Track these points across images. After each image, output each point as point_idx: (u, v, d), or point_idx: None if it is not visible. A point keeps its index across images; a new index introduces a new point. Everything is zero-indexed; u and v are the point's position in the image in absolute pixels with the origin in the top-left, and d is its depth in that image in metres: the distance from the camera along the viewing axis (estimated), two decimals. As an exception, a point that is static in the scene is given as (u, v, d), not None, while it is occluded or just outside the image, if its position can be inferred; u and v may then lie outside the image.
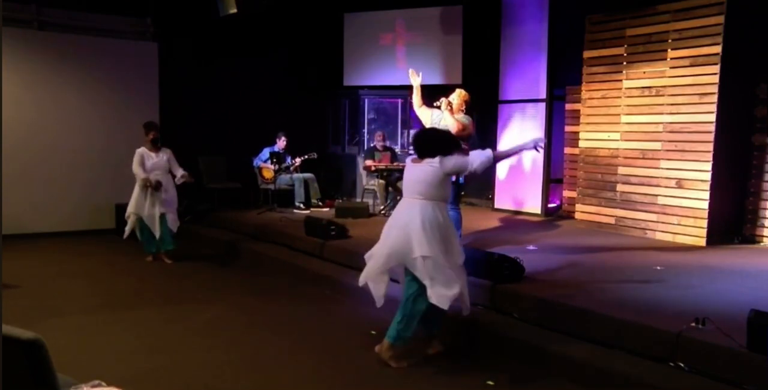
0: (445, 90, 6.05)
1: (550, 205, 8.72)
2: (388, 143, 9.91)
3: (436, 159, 3.93)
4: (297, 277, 6.45)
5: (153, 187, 6.88)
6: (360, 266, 6.10)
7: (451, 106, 5.75)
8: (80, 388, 2.20)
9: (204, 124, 9.66)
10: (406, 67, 10.26)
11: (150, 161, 6.94)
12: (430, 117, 5.88)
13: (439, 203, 3.97)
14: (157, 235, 6.99)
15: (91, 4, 8.97)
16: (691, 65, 6.70)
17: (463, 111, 5.87)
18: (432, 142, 4.05)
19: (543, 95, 8.59)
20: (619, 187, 7.34)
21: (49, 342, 1.90)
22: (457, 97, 5.88)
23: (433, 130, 4.69)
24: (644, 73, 7.16)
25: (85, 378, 2.36)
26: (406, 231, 3.92)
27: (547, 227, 7.80)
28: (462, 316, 4.72)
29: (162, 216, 6.98)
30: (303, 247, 7.03)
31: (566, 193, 8.66)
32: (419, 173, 4.00)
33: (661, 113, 6.98)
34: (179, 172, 7.08)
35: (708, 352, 3.46)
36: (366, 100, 10.57)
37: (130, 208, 7.00)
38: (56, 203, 8.60)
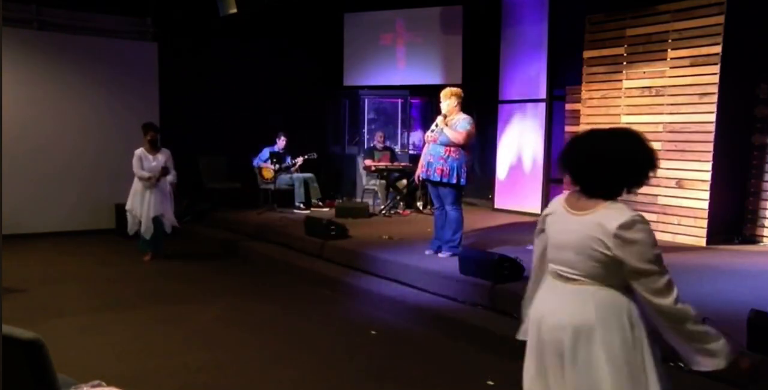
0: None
1: (550, 205, 8.72)
2: (388, 143, 9.92)
3: (615, 220, 1.94)
4: (297, 277, 6.45)
5: (158, 179, 6.89)
6: (359, 266, 6.16)
7: (445, 121, 5.71)
8: (80, 388, 2.20)
9: (204, 124, 9.66)
10: (406, 67, 10.38)
11: (147, 163, 6.94)
12: (431, 130, 5.84)
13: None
14: (147, 236, 7.01)
15: (91, 4, 8.97)
16: (691, 65, 6.69)
17: (459, 108, 5.80)
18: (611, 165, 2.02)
19: (543, 95, 8.59)
20: (619, 187, 7.32)
21: (49, 342, 1.90)
22: (451, 98, 5.74)
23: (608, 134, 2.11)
24: (644, 73, 7.16)
25: (85, 378, 2.36)
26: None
27: (547, 227, 7.79)
28: (461, 316, 4.74)
29: (156, 218, 6.99)
30: (303, 247, 7.03)
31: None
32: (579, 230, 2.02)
33: (661, 113, 6.98)
34: (170, 178, 7.07)
35: (708, 352, 3.45)
36: (366, 100, 10.57)
37: (128, 205, 7.05)
38: (56, 203, 8.59)
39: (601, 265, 1.95)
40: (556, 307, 2.04)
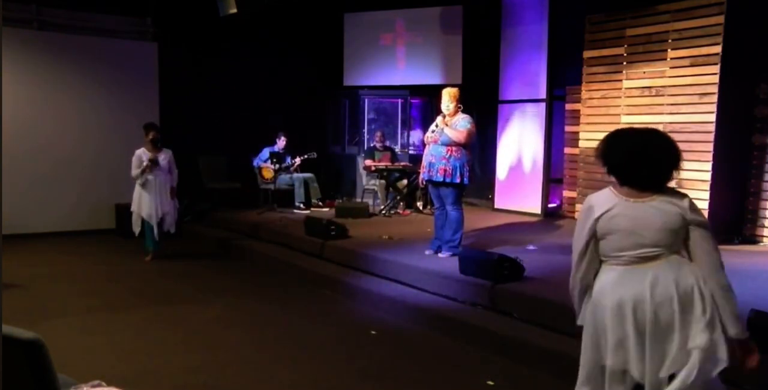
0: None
1: (550, 205, 8.72)
2: (387, 143, 9.91)
3: (683, 200, 2.34)
4: (297, 277, 6.45)
5: (151, 166, 6.86)
6: (359, 266, 6.16)
7: (445, 121, 5.71)
8: (80, 388, 2.20)
9: (204, 124, 9.66)
10: (405, 67, 10.38)
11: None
12: (431, 131, 5.84)
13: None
14: (156, 235, 7.03)
15: (91, 4, 8.97)
16: (691, 65, 6.70)
17: (460, 109, 5.80)
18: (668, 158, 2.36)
19: (543, 95, 8.59)
20: (619, 187, 7.31)
21: (49, 342, 1.90)
22: (450, 99, 5.72)
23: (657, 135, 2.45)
24: (644, 73, 7.16)
25: (85, 378, 2.36)
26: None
27: (547, 227, 7.80)
28: (461, 316, 4.74)
29: (161, 217, 7.00)
30: (303, 247, 7.03)
31: (566, 193, 8.66)
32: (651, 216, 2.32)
33: (661, 113, 6.98)
34: (172, 181, 7.08)
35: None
36: (366, 100, 10.57)
37: (133, 206, 7.06)
38: (56, 203, 8.59)
39: (674, 235, 2.30)
40: (653, 284, 2.28)
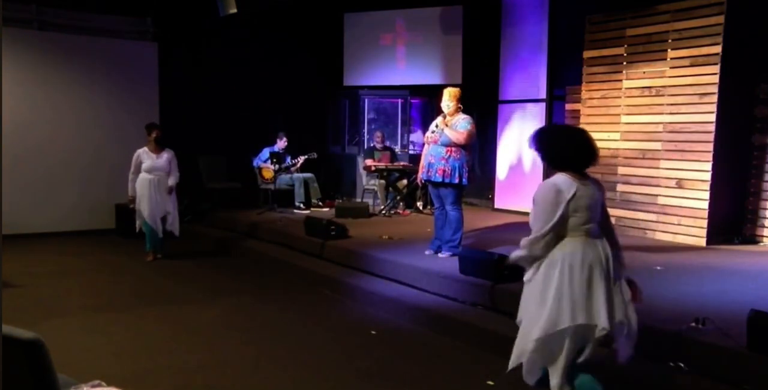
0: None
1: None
2: (387, 143, 9.91)
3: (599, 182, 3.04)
4: (297, 277, 6.46)
5: (131, 207, 7.05)
6: (359, 266, 6.16)
7: (445, 122, 5.71)
8: (80, 388, 2.20)
9: (204, 124, 9.66)
10: (406, 67, 10.39)
11: (150, 161, 6.93)
12: (431, 131, 5.84)
13: None
14: (160, 234, 7.05)
15: (91, 4, 8.97)
16: (691, 65, 6.69)
17: (460, 109, 5.80)
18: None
19: (543, 95, 8.59)
20: (619, 187, 7.33)
21: (49, 342, 1.90)
22: (450, 99, 5.71)
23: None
24: (644, 73, 7.16)
25: (85, 378, 2.36)
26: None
27: (547, 227, 7.79)
28: (461, 316, 4.74)
29: (163, 217, 7.01)
30: (303, 247, 7.03)
31: (566, 193, 8.65)
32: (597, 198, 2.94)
33: (661, 113, 6.98)
34: (171, 180, 7.05)
35: (708, 352, 3.46)
36: (366, 100, 10.57)
37: (138, 205, 7.05)
38: (56, 203, 8.59)
39: (599, 217, 2.90)
40: (599, 250, 2.85)
